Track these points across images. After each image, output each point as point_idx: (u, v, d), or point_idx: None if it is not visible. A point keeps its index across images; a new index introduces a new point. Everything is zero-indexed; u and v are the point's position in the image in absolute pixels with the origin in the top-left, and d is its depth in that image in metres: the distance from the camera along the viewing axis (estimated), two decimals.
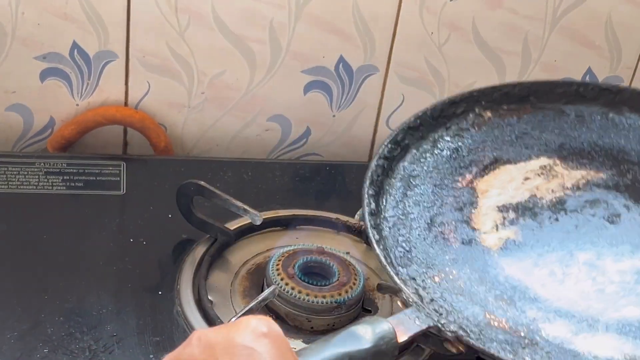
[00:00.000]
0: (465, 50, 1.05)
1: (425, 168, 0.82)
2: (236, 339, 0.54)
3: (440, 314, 0.67)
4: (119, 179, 0.96)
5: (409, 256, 0.73)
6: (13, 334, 0.75)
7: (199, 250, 0.86)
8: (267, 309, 0.80)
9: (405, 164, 0.81)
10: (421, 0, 1.01)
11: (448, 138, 0.85)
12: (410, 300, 0.66)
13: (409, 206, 0.78)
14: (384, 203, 0.77)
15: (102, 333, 0.77)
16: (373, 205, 0.75)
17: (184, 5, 0.98)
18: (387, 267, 0.69)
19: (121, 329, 0.77)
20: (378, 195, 0.76)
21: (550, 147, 0.87)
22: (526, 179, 0.83)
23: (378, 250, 0.69)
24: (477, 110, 0.86)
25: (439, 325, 0.65)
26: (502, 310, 0.70)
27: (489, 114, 0.86)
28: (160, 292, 0.82)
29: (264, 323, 0.55)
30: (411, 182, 0.80)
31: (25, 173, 0.95)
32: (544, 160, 0.85)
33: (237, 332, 0.54)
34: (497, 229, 0.78)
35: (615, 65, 1.08)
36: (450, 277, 0.72)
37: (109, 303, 0.80)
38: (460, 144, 0.84)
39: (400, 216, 0.76)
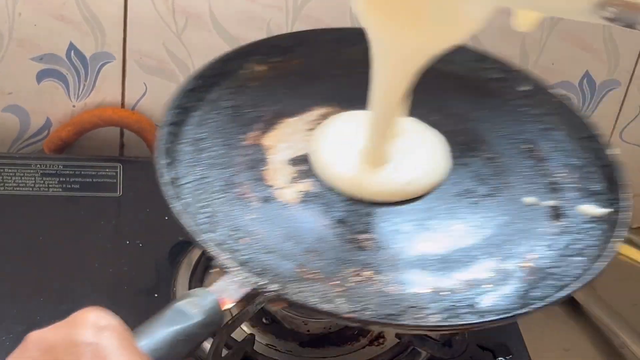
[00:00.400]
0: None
1: (210, 129, 0.80)
2: (78, 337, 0.53)
3: (257, 275, 0.67)
4: (115, 180, 0.96)
5: (214, 221, 0.71)
6: (8, 336, 0.75)
7: (196, 253, 0.86)
8: (262, 311, 0.80)
9: (191, 127, 0.79)
10: None
11: (226, 96, 0.83)
12: (225, 265, 0.66)
13: (204, 170, 0.76)
14: (179, 170, 0.75)
15: None
16: (170, 175, 0.72)
17: (181, 7, 0.98)
18: (194, 235, 0.67)
19: None
20: (172, 163, 0.75)
21: (326, 96, 0.86)
22: (309, 129, 0.82)
23: (183, 220, 0.68)
24: (250, 65, 0.86)
25: (258, 287, 0.65)
26: (313, 263, 0.70)
27: (262, 67, 0.86)
28: (156, 295, 0.82)
29: (102, 315, 0.54)
30: (200, 145, 0.78)
31: (22, 174, 0.95)
32: (323, 110, 0.85)
33: (77, 329, 0.53)
34: (292, 183, 0.77)
35: (613, 69, 1.08)
36: (258, 236, 0.71)
37: (104, 305, 0.77)
38: (240, 101, 0.83)
39: (198, 181, 0.75)
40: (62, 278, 0.82)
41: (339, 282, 0.69)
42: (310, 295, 0.66)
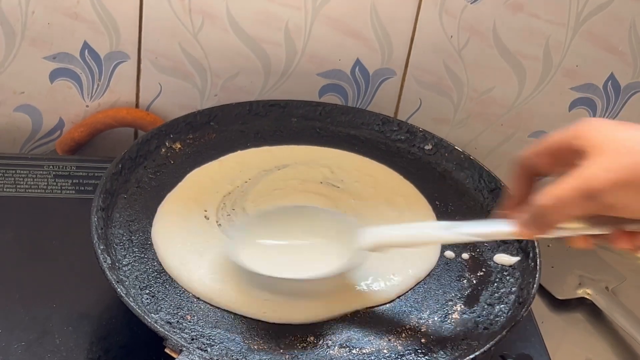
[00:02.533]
0: (485, 54, 1.03)
1: (139, 210, 0.84)
2: None
3: (205, 350, 0.70)
4: None
5: (156, 301, 0.74)
6: (20, 344, 0.74)
7: None
8: None
9: (120, 210, 0.83)
10: (441, 3, 0.99)
11: (150, 175, 0.88)
12: (179, 345, 0.68)
13: (138, 251, 0.79)
14: (115, 254, 0.78)
15: (112, 344, 0.75)
16: (109, 260, 0.75)
17: (197, 6, 0.96)
18: (145, 318, 0.69)
19: (131, 340, 0.76)
20: (109, 248, 0.78)
21: None
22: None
23: (131, 305, 0.70)
24: (167, 143, 0.91)
25: None
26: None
27: (178, 145, 0.91)
28: None
29: None
30: (131, 227, 0.81)
31: (34, 176, 0.93)
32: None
33: None
34: None
35: (639, 72, 1.06)
36: (200, 312, 0.74)
37: (118, 312, 0.78)
38: (163, 179, 0.88)
39: (134, 263, 0.78)
40: (76, 284, 0.81)
41: (283, 349, 0.72)
42: None
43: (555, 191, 0.64)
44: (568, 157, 0.65)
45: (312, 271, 0.74)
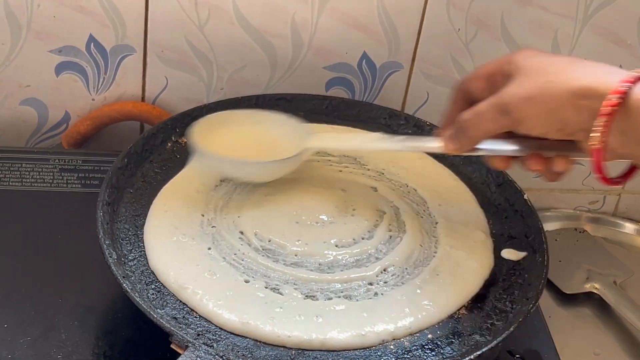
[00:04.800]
0: (493, 47, 1.02)
1: (144, 205, 0.83)
2: None
3: (212, 346, 0.70)
4: None
5: (162, 296, 0.74)
6: (26, 339, 0.74)
7: None
8: None
9: (126, 204, 0.82)
10: None
11: (156, 169, 0.87)
12: (184, 341, 0.67)
13: (144, 246, 0.79)
14: (121, 249, 0.77)
15: (118, 339, 0.75)
16: (115, 255, 0.75)
17: None
18: (151, 314, 0.69)
19: (137, 335, 0.75)
20: (114, 243, 0.77)
21: None
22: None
23: (137, 300, 0.70)
24: (173, 137, 0.91)
25: (219, 359, 0.67)
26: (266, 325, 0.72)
27: (184, 139, 0.90)
28: None
29: None
30: (137, 222, 0.81)
31: (40, 170, 0.93)
32: None
33: None
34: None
35: None
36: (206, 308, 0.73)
37: (125, 307, 0.77)
38: (170, 174, 0.87)
39: (140, 258, 0.77)
40: (82, 278, 0.81)
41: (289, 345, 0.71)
42: None
43: (475, 108, 0.70)
44: (499, 80, 0.70)
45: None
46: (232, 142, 0.83)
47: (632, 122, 0.63)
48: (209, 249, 0.78)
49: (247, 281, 0.75)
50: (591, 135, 0.64)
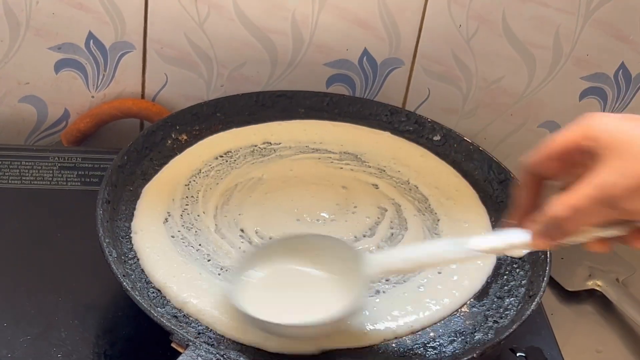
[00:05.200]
0: (494, 43, 1.02)
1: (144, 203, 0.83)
2: None
3: (212, 345, 0.69)
4: None
5: (162, 295, 0.73)
6: (26, 338, 0.74)
7: None
8: None
9: (125, 202, 0.82)
10: None
11: (156, 167, 0.87)
12: (185, 340, 0.67)
13: None
14: (121, 247, 0.77)
15: (118, 337, 0.75)
16: (115, 254, 0.74)
17: None
18: (151, 312, 0.68)
19: (137, 334, 0.75)
20: (114, 241, 0.77)
21: None
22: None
23: (137, 299, 0.69)
24: (173, 135, 0.90)
25: (220, 358, 0.66)
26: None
27: (184, 136, 0.90)
28: None
29: None
30: None
31: (39, 168, 0.93)
32: None
33: None
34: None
35: None
36: (206, 308, 0.72)
37: (125, 305, 0.77)
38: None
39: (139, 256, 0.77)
40: (81, 276, 0.80)
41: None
42: None
43: (570, 200, 0.61)
44: (577, 159, 0.63)
45: (317, 311, 0.69)
46: (274, 292, 0.72)
47: None
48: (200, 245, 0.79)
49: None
50: None
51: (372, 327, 0.72)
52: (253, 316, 0.68)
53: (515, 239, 0.67)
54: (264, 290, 0.71)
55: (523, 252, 0.80)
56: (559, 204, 0.62)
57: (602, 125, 0.61)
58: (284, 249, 0.74)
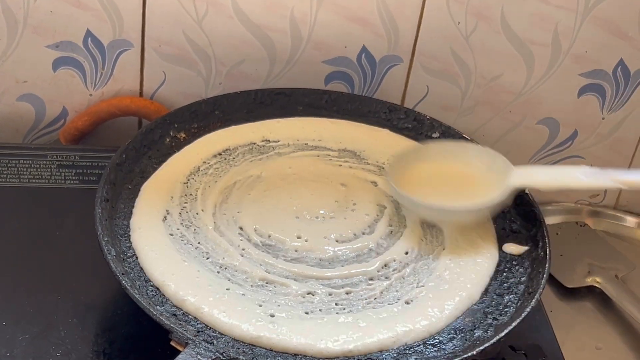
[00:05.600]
0: (493, 40, 1.02)
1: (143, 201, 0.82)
2: None
3: (212, 343, 0.69)
4: None
5: (161, 293, 0.73)
6: (25, 337, 0.73)
7: None
8: None
9: (124, 200, 0.82)
10: None
11: (155, 165, 0.87)
12: (184, 338, 0.67)
13: None
14: (120, 245, 0.77)
15: (117, 336, 0.75)
16: (114, 252, 0.74)
17: None
18: (150, 311, 0.68)
19: (137, 332, 0.75)
20: (113, 239, 0.77)
21: None
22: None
23: (136, 297, 0.69)
24: (171, 133, 0.90)
25: (220, 356, 0.66)
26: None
27: (183, 134, 0.90)
28: None
29: None
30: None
31: (37, 166, 0.92)
32: None
33: None
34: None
35: None
36: (205, 307, 0.72)
37: (124, 304, 0.77)
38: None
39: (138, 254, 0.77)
40: (80, 275, 0.80)
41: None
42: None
43: None
44: None
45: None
46: (431, 182, 0.83)
47: None
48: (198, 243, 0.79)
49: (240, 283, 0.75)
50: None
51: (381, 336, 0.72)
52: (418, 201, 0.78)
53: None
54: (426, 181, 0.82)
55: (522, 249, 0.81)
56: None
57: None
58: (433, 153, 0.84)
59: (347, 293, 0.75)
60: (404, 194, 0.81)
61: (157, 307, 0.71)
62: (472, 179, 0.82)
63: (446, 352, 0.71)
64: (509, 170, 0.80)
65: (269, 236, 0.79)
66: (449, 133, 0.93)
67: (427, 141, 0.93)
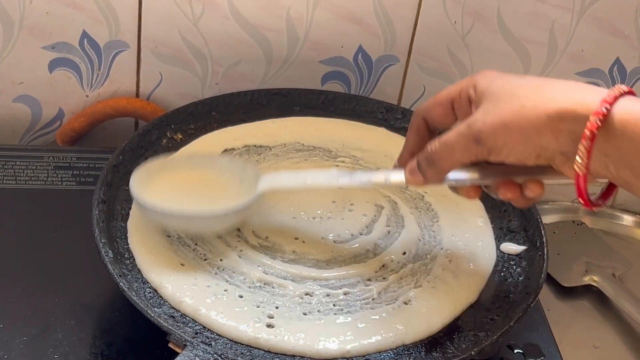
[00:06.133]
0: (489, 39, 1.02)
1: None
2: None
3: (210, 344, 0.69)
4: None
5: (159, 294, 0.73)
6: (22, 339, 0.73)
7: None
8: None
9: (121, 202, 0.81)
10: None
11: None
12: (182, 340, 0.67)
13: None
14: (117, 247, 0.77)
15: (115, 338, 0.75)
16: (111, 254, 0.74)
17: None
18: (148, 312, 0.68)
19: (135, 334, 0.75)
20: (110, 241, 0.76)
21: None
22: None
23: (134, 299, 0.69)
24: (168, 134, 0.90)
25: (218, 357, 0.66)
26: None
27: (180, 135, 0.90)
28: None
29: None
30: None
31: (34, 167, 0.92)
32: None
33: None
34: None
35: None
36: (203, 308, 0.72)
37: (122, 305, 0.77)
38: None
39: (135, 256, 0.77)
40: (78, 276, 0.80)
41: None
42: None
43: (443, 137, 0.67)
44: (464, 108, 0.68)
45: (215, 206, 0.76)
46: (175, 192, 0.79)
47: (615, 144, 0.60)
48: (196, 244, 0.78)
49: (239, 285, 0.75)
50: (576, 160, 0.61)
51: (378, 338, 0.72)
52: (164, 210, 0.74)
53: (393, 175, 0.72)
54: (170, 191, 0.78)
55: (519, 249, 0.81)
56: (434, 141, 0.68)
57: (486, 76, 0.67)
58: (181, 164, 0.81)
59: (345, 294, 0.75)
60: (147, 205, 0.76)
61: (155, 308, 0.71)
62: (221, 187, 0.80)
63: (444, 353, 0.71)
64: (258, 177, 0.78)
65: (267, 237, 0.79)
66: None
67: None
